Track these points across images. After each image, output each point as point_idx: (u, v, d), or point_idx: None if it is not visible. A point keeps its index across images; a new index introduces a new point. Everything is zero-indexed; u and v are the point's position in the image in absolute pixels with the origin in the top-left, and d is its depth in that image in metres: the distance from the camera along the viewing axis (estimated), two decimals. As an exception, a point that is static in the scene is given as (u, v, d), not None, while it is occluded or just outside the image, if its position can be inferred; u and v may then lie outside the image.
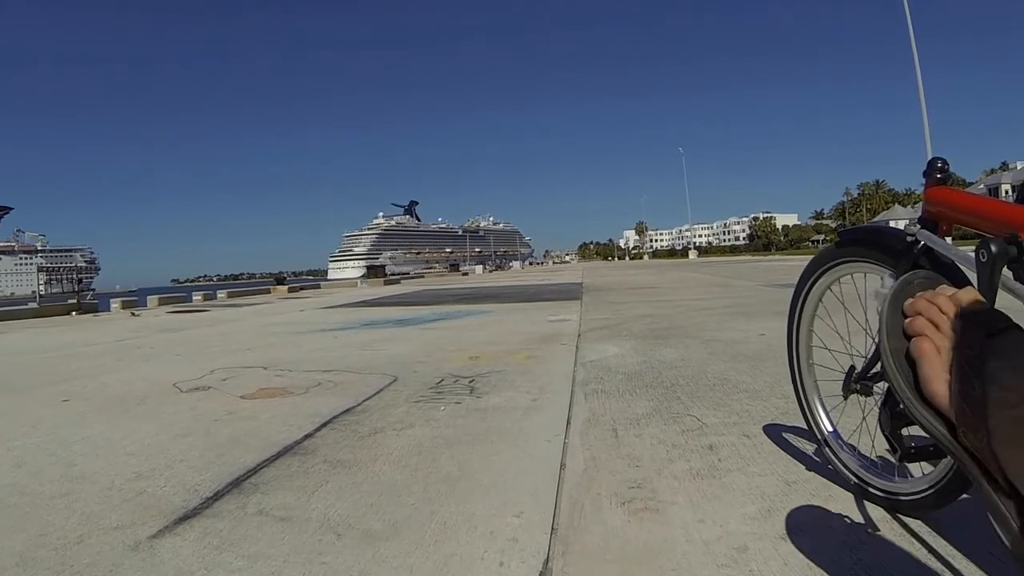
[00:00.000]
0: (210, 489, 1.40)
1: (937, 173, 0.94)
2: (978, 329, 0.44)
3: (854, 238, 1.11)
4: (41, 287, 12.07)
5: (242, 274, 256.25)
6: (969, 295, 0.48)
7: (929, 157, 0.99)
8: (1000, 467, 0.40)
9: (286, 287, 16.40)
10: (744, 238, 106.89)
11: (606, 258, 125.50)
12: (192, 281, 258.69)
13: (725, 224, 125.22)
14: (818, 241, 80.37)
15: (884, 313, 0.52)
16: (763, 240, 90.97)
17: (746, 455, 1.46)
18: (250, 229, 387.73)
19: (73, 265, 32.75)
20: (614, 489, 1.29)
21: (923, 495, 1.01)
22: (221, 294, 14.25)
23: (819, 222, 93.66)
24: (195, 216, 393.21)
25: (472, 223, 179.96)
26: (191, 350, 4.14)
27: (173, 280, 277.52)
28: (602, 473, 1.40)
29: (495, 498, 1.28)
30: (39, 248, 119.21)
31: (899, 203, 68.72)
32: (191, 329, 5.92)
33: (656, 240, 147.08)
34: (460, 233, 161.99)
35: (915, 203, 61.35)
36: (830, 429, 1.26)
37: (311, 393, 2.45)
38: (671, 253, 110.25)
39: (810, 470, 1.33)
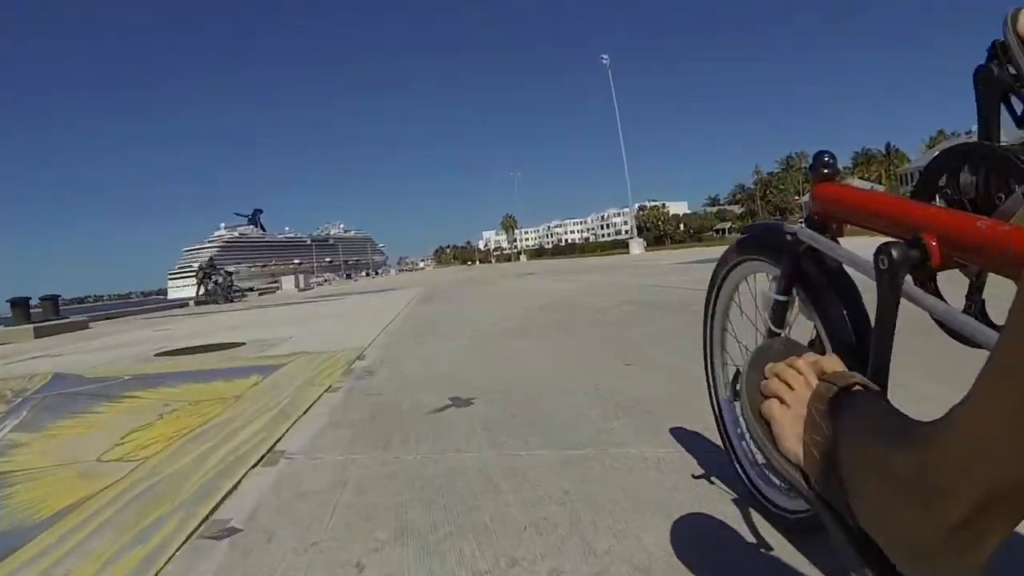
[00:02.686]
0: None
1: (824, 168, 0.86)
2: (830, 387, 0.50)
3: (749, 235, 1.08)
4: None
5: (88, 296, 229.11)
6: (831, 362, 0.55)
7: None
8: (852, 514, 0.44)
9: (31, 326, 9.12)
10: (626, 231, 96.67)
11: (465, 262, 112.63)
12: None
13: (602, 217, 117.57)
14: (723, 231, 72.33)
15: (744, 373, 0.59)
16: (654, 232, 78.58)
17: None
18: (102, 248, 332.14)
19: None
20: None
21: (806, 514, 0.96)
22: None
23: (723, 208, 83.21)
24: (41, 233, 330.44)
25: (322, 231, 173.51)
26: None
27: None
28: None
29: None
30: None
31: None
32: None
33: (522, 239, 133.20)
34: (309, 242, 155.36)
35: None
36: (734, 434, 1.19)
37: None
38: (539, 252, 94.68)
39: None
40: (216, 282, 20.78)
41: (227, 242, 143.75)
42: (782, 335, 0.60)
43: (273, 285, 33.69)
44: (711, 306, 1.21)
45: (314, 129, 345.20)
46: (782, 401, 0.54)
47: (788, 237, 0.89)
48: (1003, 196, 0.62)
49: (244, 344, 4.92)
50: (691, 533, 1.07)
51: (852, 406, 0.48)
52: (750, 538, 1.04)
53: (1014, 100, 0.68)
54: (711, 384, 1.25)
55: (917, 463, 0.37)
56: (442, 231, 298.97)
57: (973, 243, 0.61)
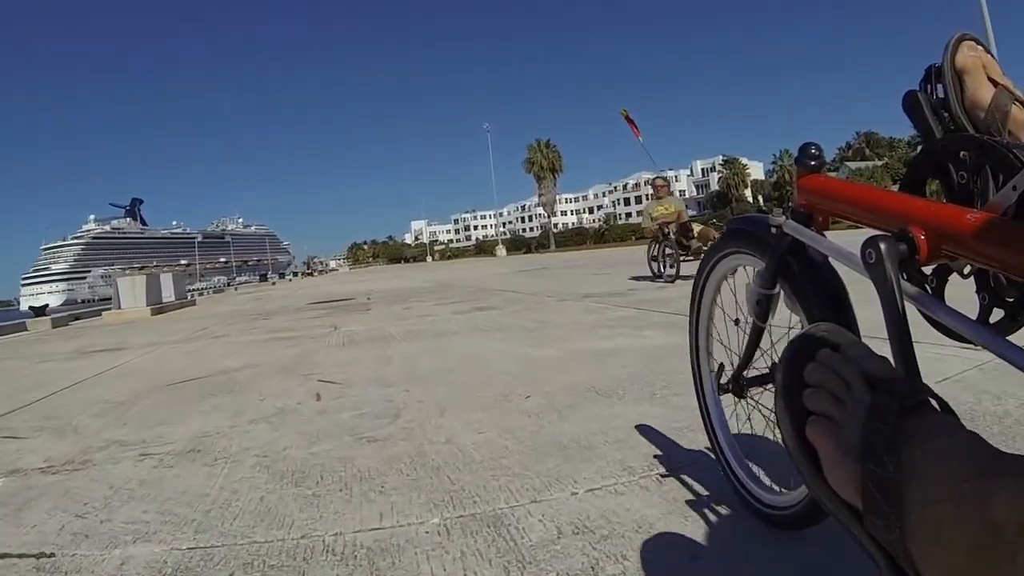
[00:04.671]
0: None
1: (810, 160, 0.85)
2: (891, 401, 0.41)
3: (735, 228, 1.07)
4: None
5: None
6: (880, 363, 0.46)
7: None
8: (914, 565, 0.36)
9: None
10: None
11: (397, 260, 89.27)
12: None
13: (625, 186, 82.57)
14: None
15: (780, 374, 0.50)
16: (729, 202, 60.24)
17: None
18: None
19: None
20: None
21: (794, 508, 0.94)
22: None
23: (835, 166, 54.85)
24: None
25: (217, 226, 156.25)
26: None
27: None
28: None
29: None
30: None
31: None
32: None
33: (476, 228, 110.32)
34: (201, 239, 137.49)
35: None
36: (722, 432, 1.18)
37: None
38: (516, 243, 62.25)
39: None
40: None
41: (95, 238, 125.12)
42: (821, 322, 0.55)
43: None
44: (697, 299, 1.22)
45: (212, 118, 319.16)
46: (830, 418, 0.44)
47: (773, 230, 0.88)
48: (993, 188, 0.62)
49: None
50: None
51: (926, 430, 0.39)
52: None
53: (934, 123, 0.71)
54: (697, 377, 1.25)
55: None
56: (357, 226, 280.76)
57: (963, 236, 0.60)
